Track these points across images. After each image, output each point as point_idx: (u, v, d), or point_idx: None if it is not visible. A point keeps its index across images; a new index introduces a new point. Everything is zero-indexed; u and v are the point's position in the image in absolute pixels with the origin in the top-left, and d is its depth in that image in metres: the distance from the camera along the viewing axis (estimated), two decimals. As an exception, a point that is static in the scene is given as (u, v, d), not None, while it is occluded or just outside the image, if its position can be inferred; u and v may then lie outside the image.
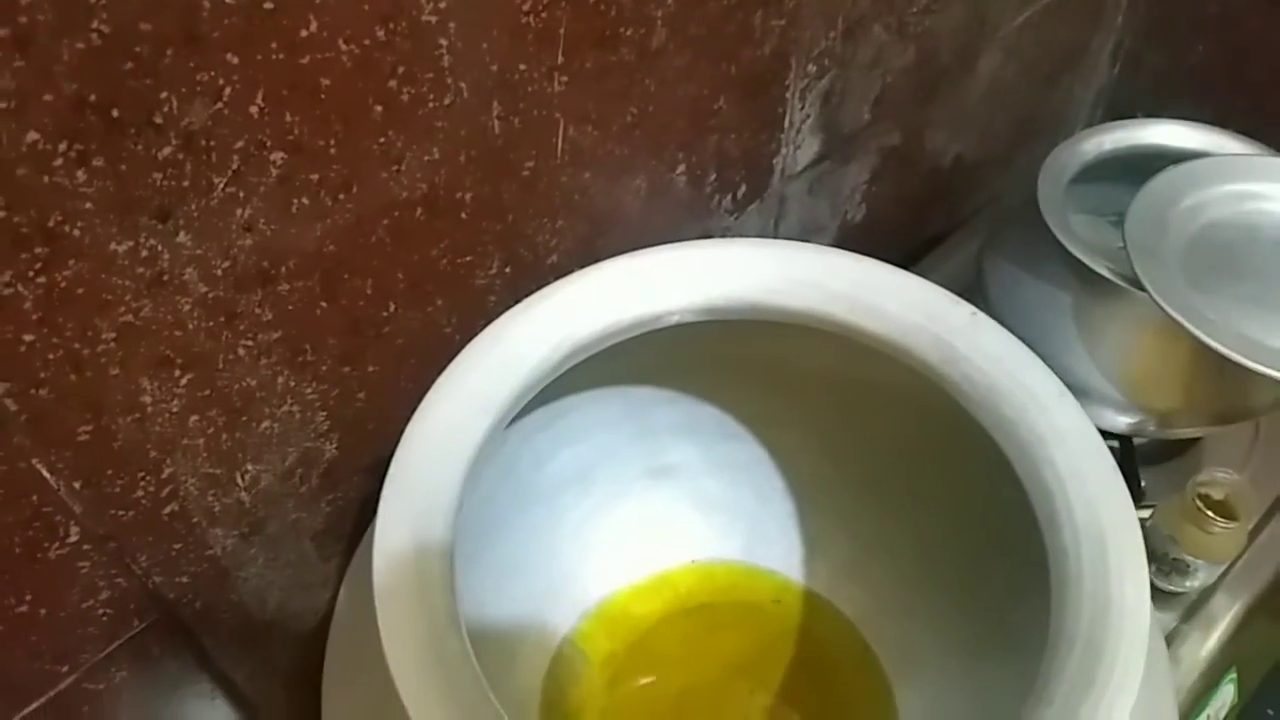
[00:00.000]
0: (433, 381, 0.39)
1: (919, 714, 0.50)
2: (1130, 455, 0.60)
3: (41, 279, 0.29)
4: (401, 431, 0.37)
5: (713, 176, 0.52)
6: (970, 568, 0.49)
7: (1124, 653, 0.30)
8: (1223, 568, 0.57)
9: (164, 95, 0.29)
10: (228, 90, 0.30)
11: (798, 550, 0.56)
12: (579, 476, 0.54)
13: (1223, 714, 0.62)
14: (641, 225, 0.50)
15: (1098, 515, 0.34)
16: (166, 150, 0.30)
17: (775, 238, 0.61)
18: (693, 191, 0.51)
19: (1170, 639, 0.59)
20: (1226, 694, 0.62)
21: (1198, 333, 0.48)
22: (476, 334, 0.41)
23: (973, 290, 0.64)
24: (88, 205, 0.29)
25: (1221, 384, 0.56)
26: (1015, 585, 0.45)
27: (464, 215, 0.41)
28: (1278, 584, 0.63)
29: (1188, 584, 0.57)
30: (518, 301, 0.42)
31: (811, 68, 0.52)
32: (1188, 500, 0.54)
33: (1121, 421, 0.57)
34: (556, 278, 0.42)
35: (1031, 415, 0.37)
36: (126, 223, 0.30)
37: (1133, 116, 0.64)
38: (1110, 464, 0.36)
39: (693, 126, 0.48)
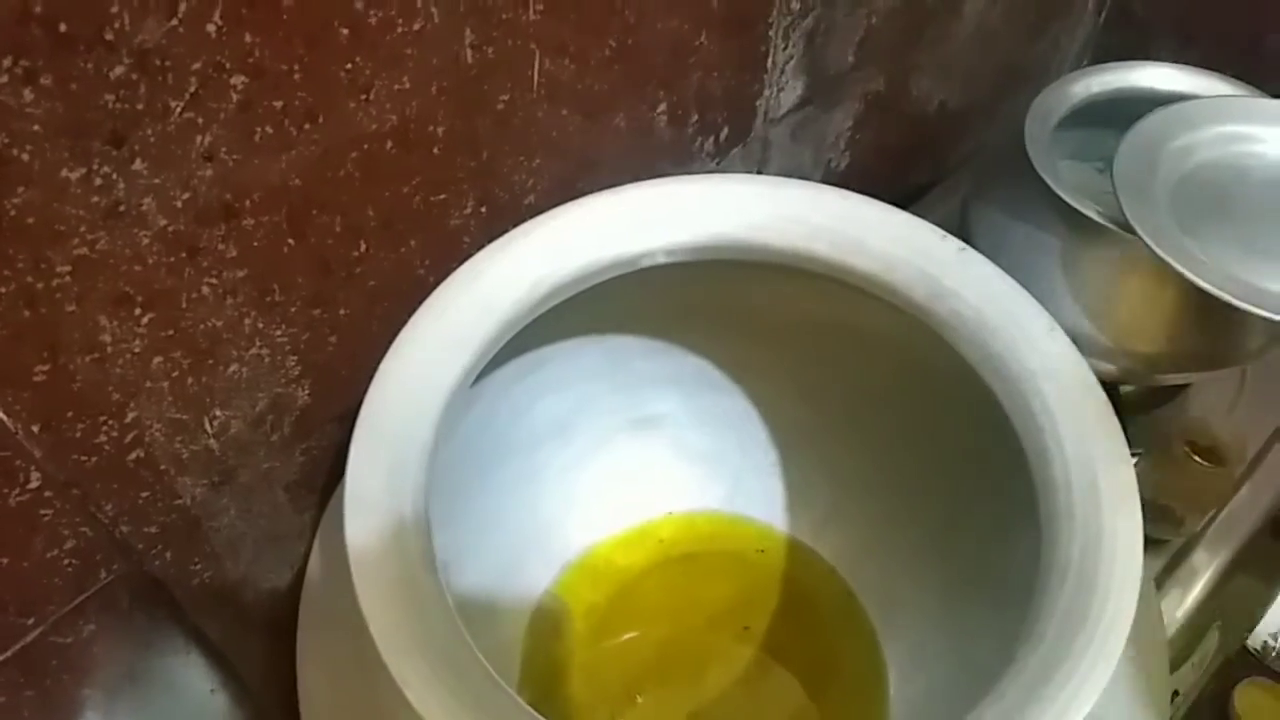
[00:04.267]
0: (406, 326, 0.38)
1: (904, 657, 0.50)
2: (1115, 404, 0.59)
3: (-11, 206, 0.28)
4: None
5: (694, 117, 0.51)
6: (951, 510, 0.49)
7: (1117, 585, 0.30)
8: (1209, 515, 0.57)
9: (115, 9, 0.27)
10: (183, 6, 0.29)
11: (780, 498, 0.56)
12: (559, 428, 0.53)
13: (1207, 660, 0.63)
14: (621, 167, 0.48)
15: (1089, 448, 0.33)
16: (119, 70, 0.28)
17: (758, 184, 0.60)
18: (674, 132, 0.50)
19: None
20: (1211, 641, 0.62)
21: (1188, 273, 0.47)
22: (451, 276, 0.39)
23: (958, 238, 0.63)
24: (36, 127, 0.28)
25: (1209, 328, 0.55)
26: (996, 526, 0.44)
27: (437, 150, 0.39)
28: (1257, 539, 0.63)
29: (1173, 531, 0.57)
30: (492, 244, 0.40)
31: (795, 4, 0.51)
32: (1175, 446, 0.54)
33: (1108, 368, 0.57)
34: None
35: (1021, 350, 0.36)
36: (78, 147, 0.29)
37: (1119, 63, 0.63)
38: (1101, 397, 0.35)
39: (674, 63, 0.47)
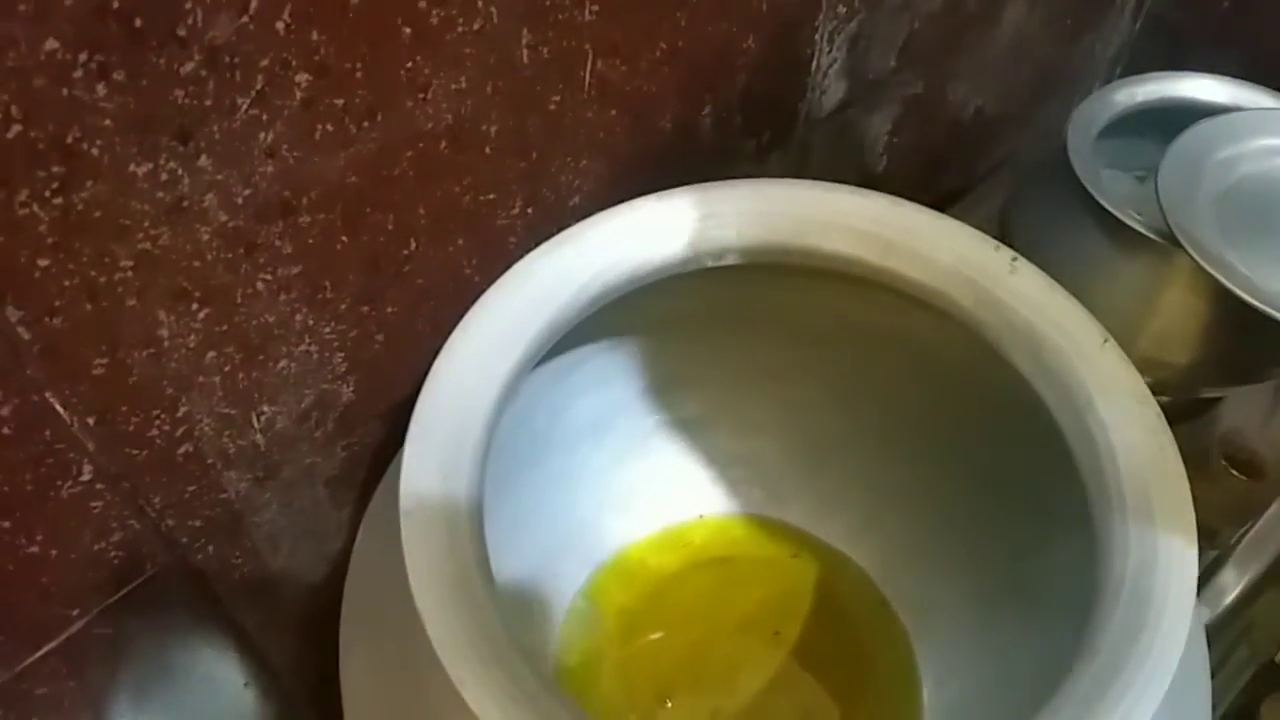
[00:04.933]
0: (451, 327, 0.38)
1: (938, 666, 0.50)
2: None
3: (58, 200, 0.28)
4: (418, 377, 0.36)
5: (738, 120, 0.51)
6: (988, 519, 0.48)
7: (1173, 599, 0.30)
8: (1244, 527, 0.57)
9: (189, 5, 0.27)
10: (254, 3, 0.29)
11: (815, 505, 0.55)
12: (594, 429, 0.53)
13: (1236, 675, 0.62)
14: (665, 169, 0.48)
15: (1142, 462, 0.33)
16: (189, 66, 0.28)
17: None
18: (718, 135, 0.50)
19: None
20: (1240, 655, 0.62)
21: (1230, 285, 0.47)
22: (496, 277, 0.39)
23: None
24: (107, 122, 0.28)
25: (1248, 341, 0.55)
26: (1034, 536, 0.44)
27: (488, 150, 0.39)
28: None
29: (1207, 544, 0.57)
30: (537, 245, 0.40)
31: (841, 9, 0.51)
32: (1213, 458, 0.53)
33: (1145, 380, 0.56)
34: (577, 221, 0.41)
35: (1074, 361, 0.36)
36: (147, 143, 0.29)
37: (1154, 74, 0.63)
38: (1155, 410, 0.35)
39: (721, 66, 0.47)
